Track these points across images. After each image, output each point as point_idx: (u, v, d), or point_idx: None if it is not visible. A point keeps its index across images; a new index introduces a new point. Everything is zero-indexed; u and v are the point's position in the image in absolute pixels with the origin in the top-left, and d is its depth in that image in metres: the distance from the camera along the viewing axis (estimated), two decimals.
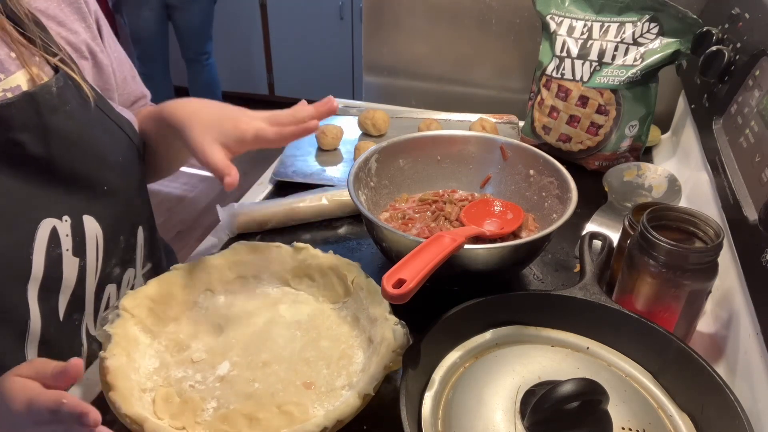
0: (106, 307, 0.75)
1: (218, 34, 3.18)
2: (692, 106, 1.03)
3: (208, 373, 0.65)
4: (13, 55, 0.63)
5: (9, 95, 0.62)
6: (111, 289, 0.76)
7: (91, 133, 0.69)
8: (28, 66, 0.64)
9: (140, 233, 0.80)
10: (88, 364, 0.71)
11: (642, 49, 1.04)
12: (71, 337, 0.71)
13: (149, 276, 0.82)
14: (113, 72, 0.78)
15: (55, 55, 0.66)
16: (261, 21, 3.55)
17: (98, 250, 0.70)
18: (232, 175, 0.65)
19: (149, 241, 0.82)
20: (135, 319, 0.67)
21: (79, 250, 0.68)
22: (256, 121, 0.69)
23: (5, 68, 0.62)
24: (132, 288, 0.79)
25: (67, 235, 0.66)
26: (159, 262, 0.86)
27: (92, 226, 0.69)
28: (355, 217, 0.97)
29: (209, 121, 0.70)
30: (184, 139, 0.69)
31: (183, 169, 3.20)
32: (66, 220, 0.66)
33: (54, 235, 0.65)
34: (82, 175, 0.68)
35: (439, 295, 0.68)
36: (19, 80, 0.63)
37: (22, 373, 0.54)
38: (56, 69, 0.67)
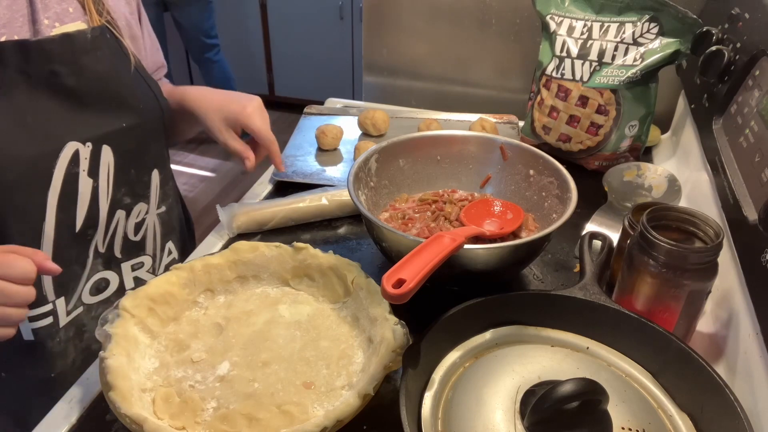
0: (115, 230, 0.85)
1: (218, 34, 3.18)
2: (692, 106, 1.03)
3: (208, 373, 0.65)
4: (71, 9, 0.77)
5: None
6: (120, 214, 0.85)
7: (119, 78, 0.81)
8: (82, 18, 0.78)
9: (155, 175, 0.89)
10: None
11: (642, 49, 1.04)
12: (81, 249, 0.82)
13: (163, 218, 0.93)
14: (146, 44, 0.93)
15: (102, 15, 0.80)
16: (261, 21, 3.55)
17: (109, 176, 0.82)
18: (251, 158, 0.89)
19: (163, 186, 0.91)
20: (135, 319, 0.67)
21: (93, 172, 0.80)
22: (255, 120, 0.89)
23: (61, 19, 0.77)
24: (142, 221, 0.89)
25: (85, 158, 0.78)
26: (170, 209, 0.94)
27: (107, 155, 0.81)
28: (355, 217, 0.97)
29: (217, 106, 0.89)
30: (204, 125, 0.90)
31: (183, 169, 3.21)
32: (88, 146, 0.78)
33: (75, 156, 0.77)
34: (105, 109, 0.80)
35: (439, 295, 0.68)
36: (71, 29, 0.77)
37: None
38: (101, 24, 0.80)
